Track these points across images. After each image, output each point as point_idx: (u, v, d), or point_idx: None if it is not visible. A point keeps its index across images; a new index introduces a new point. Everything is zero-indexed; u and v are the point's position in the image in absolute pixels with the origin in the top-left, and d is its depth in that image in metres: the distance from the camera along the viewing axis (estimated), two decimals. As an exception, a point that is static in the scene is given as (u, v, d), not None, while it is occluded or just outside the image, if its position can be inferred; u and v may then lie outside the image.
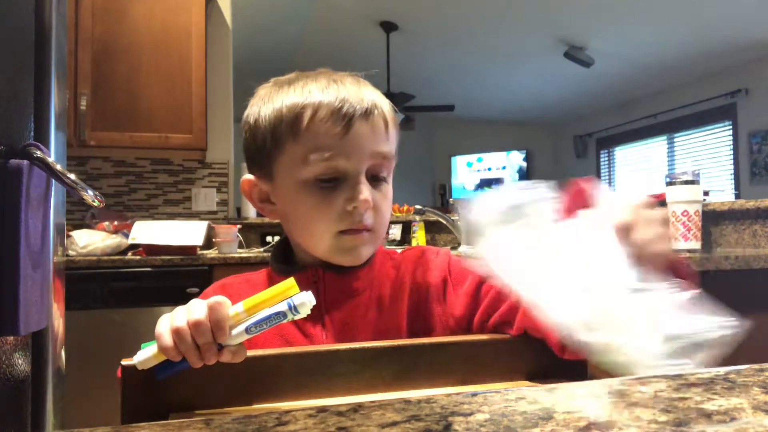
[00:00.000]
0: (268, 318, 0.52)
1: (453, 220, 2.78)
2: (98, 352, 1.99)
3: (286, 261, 0.77)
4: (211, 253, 2.44)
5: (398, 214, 3.06)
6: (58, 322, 0.92)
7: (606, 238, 0.51)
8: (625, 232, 0.52)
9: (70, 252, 2.24)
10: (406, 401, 0.28)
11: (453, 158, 8.15)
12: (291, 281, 0.53)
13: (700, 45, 5.09)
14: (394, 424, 0.25)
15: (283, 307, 0.52)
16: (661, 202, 2.12)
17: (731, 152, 5.67)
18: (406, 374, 0.62)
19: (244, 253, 2.51)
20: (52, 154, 0.86)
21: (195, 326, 0.51)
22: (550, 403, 0.27)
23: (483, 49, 5.39)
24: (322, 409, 0.27)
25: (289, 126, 0.68)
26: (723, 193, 5.62)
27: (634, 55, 5.41)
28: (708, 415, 0.25)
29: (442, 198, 7.90)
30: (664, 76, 5.97)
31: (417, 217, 2.86)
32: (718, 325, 0.44)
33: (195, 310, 0.52)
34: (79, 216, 2.73)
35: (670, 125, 6.34)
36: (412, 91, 5.66)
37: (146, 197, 2.94)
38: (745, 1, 4.19)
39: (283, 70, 0.76)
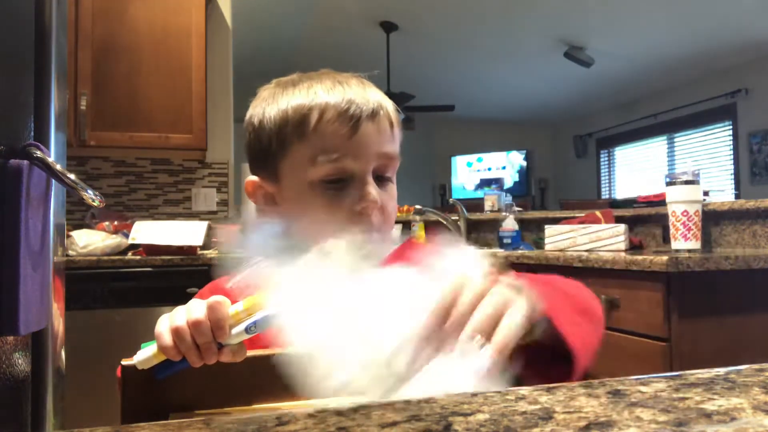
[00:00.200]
0: (268, 317, 0.52)
1: (453, 220, 2.78)
2: (98, 352, 1.99)
3: None
4: (211, 253, 2.44)
5: (398, 214, 3.06)
6: (58, 322, 0.92)
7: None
8: (442, 312, 0.44)
9: (70, 252, 2.24)
10: (406, 401, 0.28)
11: (453, 158, 8.15)
12: (291, 281, 0.53)
13: (700, 45, 5.09)
14: (394, 424, 0.25)
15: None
16: (661, 202, 2.12)
17: (731, 152, 5.68)
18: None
19: (244, 253, 2.50)
20: (52, 154, 0.86)
21: (195, 326, 0.51)
22: (550, 403, 0.27)
23: (483, 49, 5.39)
24: (322, 409, 0.27)
25: (296, 127, 0.68)
26: (723, 193, 5.62)
27: (634, 55, 5.41)
28: (708, 415, 0.25)
29: (442, 198, 7.89)
30: (664, 76, 5.97)
31: (417, 217, 2.86)
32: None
33: (195, 309, 0.52)
34: (79, 216, 2.73)
35: (670, 125, 6.34)
36: (412, 91, 5.66)
37: (146, 197, 2.94)
38: (745, 1, 4.19)
39: (283, 70, 0.76)
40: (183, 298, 0.55)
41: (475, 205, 3.19)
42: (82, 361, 1.82)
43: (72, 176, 0.80)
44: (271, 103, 0.70)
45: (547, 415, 0.25)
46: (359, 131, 0.67)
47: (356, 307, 0.46)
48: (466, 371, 0.42)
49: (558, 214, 2.64)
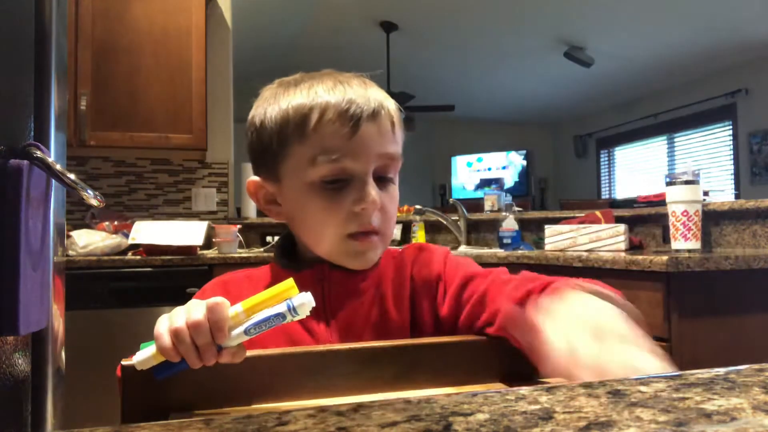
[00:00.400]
0: (268, 319, 0.52)
1: (453, 220, 2.78)
2: (98, 352, 1.98)
3: (290, 257, 0.77)
4: (211, 253, 2.44)
5: (398, 214, 3.06)
6: (58, 322, 0.92)
7: None
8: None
9: (70, 252, 2.24)
10: (406, 401, 0.28)
11: (453, 158, 8.15)
12: (290, 282, 0.53)
13: (700, 45, 5.10)
14: (394, 424, 0.25)
15: (282, 308, 0.52)
16: (661, 202, 2.12)
17: (731, 152, 5.68)
18: (406, 374, 0.62)
19: (244, 253, 2.51)
20: (52, 154, 0.86)
21: (194, 327, 0.51)
22: (550, 403, 0.27)
23: (483, 49, 5.40)
24: (322, 409, 0.27)
25: (296, 127, 0.67)
26: (723, 193, 5.62)
27: (634, 55, 5.41)
28: (708, 415, 0.25)
29: (442, 198, 7.89)
30: (664, 76, 5.97)
31: (417, 217, 2.86)
32: None
33: (194, 310, 0.52)
34: (79, 216, 2.73)
35: (670, 125, 6.35)
36: (412, 91, 5.66)
37: (146, 197, 2.94)
38: (745, 1, 4.19)
39: (284, 70, 0.76)
40: (183, 298, 0.55)
41: (475, 205, 3.19)
42: (82, 361, 1.82)
43: (72, 176, 0.80)
44: (273, 104, 0.70)
45: (547, 415, 0.25)
46: (359, 131, 0.66)
47: None
48: None
49: (558, 214, 2.64)
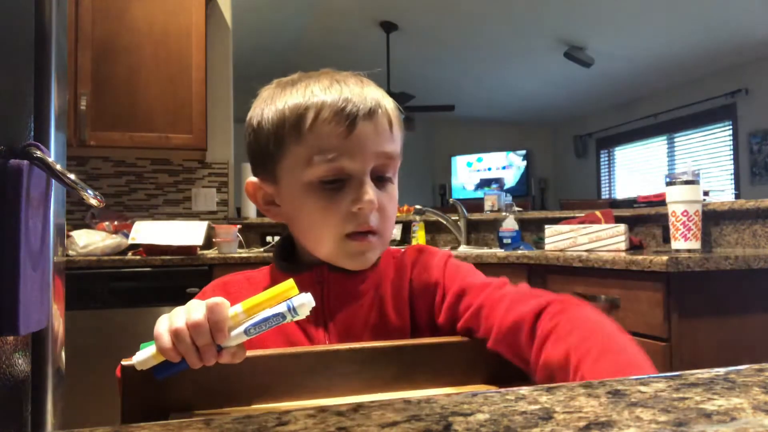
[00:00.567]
0: (267, 319, 0.52)
1: (453, 220, 2.78)
2: (98, 352, 1.99)
3: (289, 259, 0.77)
4: (211, 253, 2.44)
5: (398, 214, 3.06)
6: (58, 322, 0.92)
7: None
8: None
9: (70, 252, 2.24)
10: (406, 401, 0.28)
11: (453, 158, 8.15)
12: (290, 282, 0.53)
13: (699, 45, 5.10)
14: (394, 424, 0.25)
15: (282, 308, 0.52)
16: (661, 202, 2.12)
17: (731, 152, 5.68)
18: (406, 374, 0.62)
19: (244, 253, 2.51)
20: (52, 154, 0.86)
21: (194, 327, 0.51)
22: (550, 403, 0.27)
23: (483, 49, 5.40)
24: (322, 409, 0.27)
25: (292, 127, 0.67)
26: (723, 193, 5.62)
27: (634, 55, 5.41)
28: (708, 415, 0.25)
29: (442, 198, 7.90)
30: (664, 76, 5.97)
31: (417, 217, 2.86)
32: None
33: (194, 311, 0.52)
34: (79, 216, 2.73)
35: (670, 125, 6.35)
36: (412, 91, 5.67)
37: (146, 197, 2.94)
38: (746, 1, 4.19)
39: (284, 70, 0.75)
40: (183, 298, 0.55)
41: (475, 205, 3.19)
42: (82, 361, 1.82)
43: (72, 176, 0.80)
44: (270, 104, 0.70)
45: (547, 415, 0.25)
46: (356, 130, 0.66)
47: None
48: None
49: (558, 214, 2.64)
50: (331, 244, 0.68)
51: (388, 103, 0.70)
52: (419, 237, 2.81)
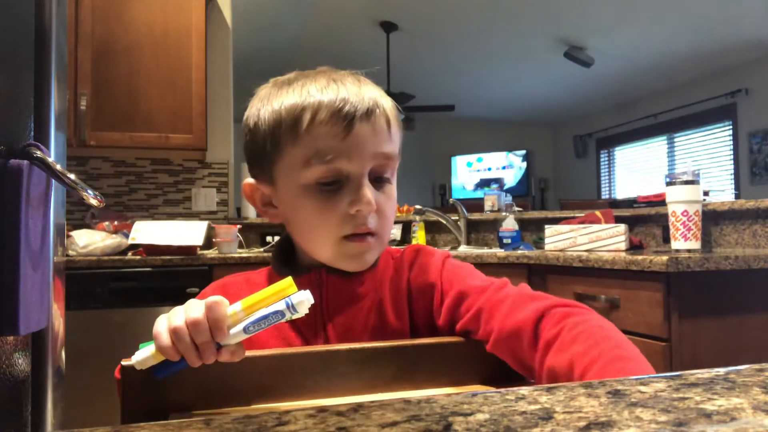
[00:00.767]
0: (267, 317, 0.52)
1: (453, 220, 2.78)
2: (98, 352, 1.99)
3: (287, 261, 0.76)
4: (211, 253, 2.44)
5: (398, 214, 3.06)
6: (58, 322, 0.92)
7: None
8: None
9: (70, 252, 2.24)
10: (406, 401, 0.28)
11: (453, 158, 8.15)
12: (289, 280, 0.53)
13: (700, 45, 5.10)
14: (394, 424, 0.25)
15: (281, 306, 0.52)
16: (661, 202, 2.12)
17: (731, 152, 5.68)
18: (406, 374, 0.62)
19: (244, 253, 2.51)
20: (52, 154, 0.86)
21: (193, 325, 0.51)
22: (550, 403, 0.27)
23: (483, 49, 5.40)
24: (322, 409, 0.27)
25: (289, 128, 0.66)
26: (723, 193, 5.62)
27: (634, 55, 5.41)
28: (708, 415, 0.25)
29: (442, 198, 7.90)
30: (664, 76, 5.97)
31: (417, 217, 2.86)
32: None
33: (193, 309, 0.52)
34: (79, 216, 2.73)
35: (670, 125, 6.35)
36: (412, 91, 5.67)
37: (146, 197, 2.94)
38: (745, 1, 4.19)
39: (284, 70, 0.75)
40: (183, 298, 0.55)
41: (475, 205, 3.19)
42: (82, 361, 1.82)
43: (72, 176, 0.80)
44: (266, 104, 0.69)
45: (547, 415, 0.25)
46: (353, 131, 0.65)
47: None
48: None
49: (558, 214, 2.64)
50: (329, 245, 0.68)
51: (386, 103, 0.69)
52: (419, 237, 2.81)
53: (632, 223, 2.28)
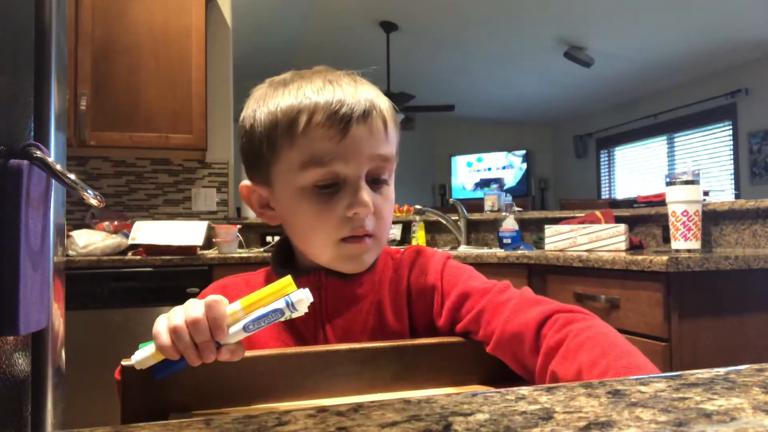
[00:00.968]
0: (266, 315, 0.52)
1: (453, 220, 2.78)
2: (98, 352, 1.99)
3: (286, 262, 0.76)
4: (211, 253, 2.44)
5: (398, 214, 3.06)
6: (58, 322, 0.92)
7: None
8: None
9: (70, 252, 2.24)
10: (406, 401, 0.28)
11: (453, 158, 8.15)
12: (288, 279, 0.53)
13: (700, 45, 5.10)
14: (394, 424, 0.25)
15: (280, 304, 0.52)
16: (661, 202, 2.12)
17: (731, 152, 5.68)
18: (406, 374, 0.62)
19: (244, 253, 2.51)
20: (52, 154, 0.86)
21: (193, 325, 0.51)
22: (550, 403, 0.27)
23: (483, 49, 5.40)
24: (322, 409, 0.27)
25: (285, 131, 0.65)
26: (723, 193, 5.62)
27: (634, 55, 5.41)
28: (708, 415, 0.25)
29: (442, 198, 7.90)
30: (664, 76, 5.97)
31: (417, 217, 2.86)
32: None
33: (192, 308, 0.52)
34: (79, 216, 2.73)
35: (670, 125, 6.34)
36: (412, 91, 5.66)
37: (146, 197, 2.94)
38: (745, 1, 4.19)
39: (284, 71, 0.74)
40: (183, 298, 0.55)
41: (475, 205, 3.19)
42: (82, 361, 1.82)
43: (72, 176, 0.80)
44: (262, 105, 0.68)
45: (547, 415, 0.25)
46: (350, 133, 0.64)
47: None
48: None
49: (558, 214, 2.64)
50: (327, 248, 0.67)
51: (383, 103, 0.69)
52: (419, 237, 2.81)
53: (632, 223, 2.28)
